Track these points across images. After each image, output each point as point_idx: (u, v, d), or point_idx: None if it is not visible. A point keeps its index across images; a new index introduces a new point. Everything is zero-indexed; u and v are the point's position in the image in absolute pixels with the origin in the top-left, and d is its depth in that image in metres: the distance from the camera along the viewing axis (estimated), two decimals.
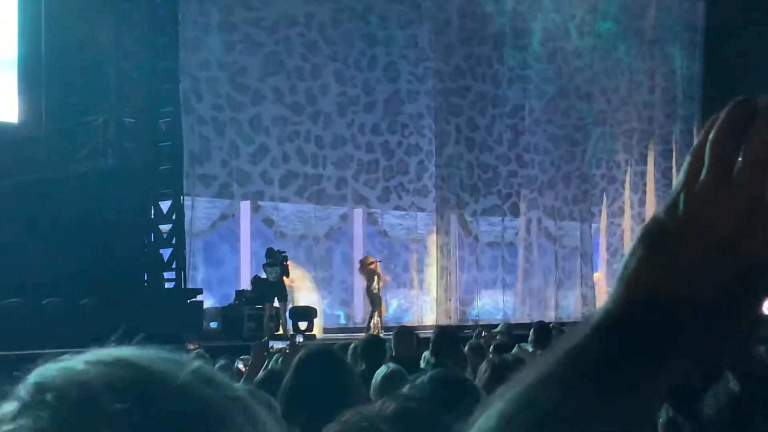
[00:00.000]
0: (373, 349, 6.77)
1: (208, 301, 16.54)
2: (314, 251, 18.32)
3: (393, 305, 19.44)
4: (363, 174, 18.98)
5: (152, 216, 16.52)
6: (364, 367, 5.92)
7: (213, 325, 15.87)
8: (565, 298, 22.05)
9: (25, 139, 16.00)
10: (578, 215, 22.34)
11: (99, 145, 16.35)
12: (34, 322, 13.17)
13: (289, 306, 16.73)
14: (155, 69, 16.46)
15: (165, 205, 16.45)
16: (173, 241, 16.36)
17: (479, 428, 0.80)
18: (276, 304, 16.17)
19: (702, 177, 0.79)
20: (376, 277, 17.33)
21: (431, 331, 8.73)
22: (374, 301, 17.30)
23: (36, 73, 16.18)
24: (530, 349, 8.21)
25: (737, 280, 0.77)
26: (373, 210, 19.39)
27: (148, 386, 0.78)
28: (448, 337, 6.88)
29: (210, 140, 17.03)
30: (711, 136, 0.79)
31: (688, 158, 0.81)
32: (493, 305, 20.94)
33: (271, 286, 16.10)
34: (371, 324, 16.89)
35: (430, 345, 6.76)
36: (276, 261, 16.14)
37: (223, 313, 16.15)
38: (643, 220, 23.49)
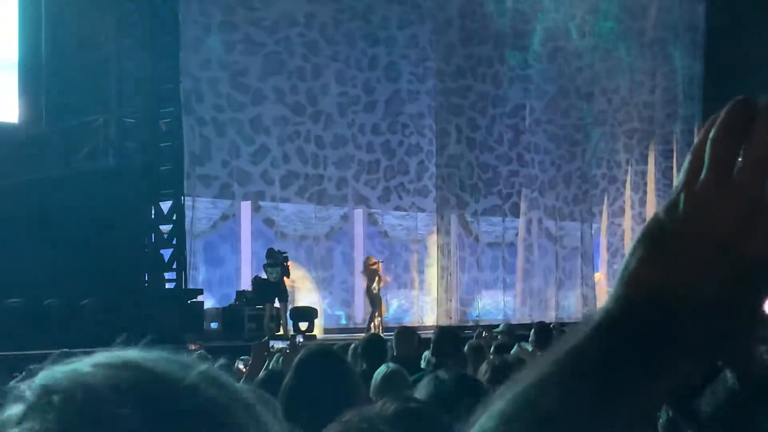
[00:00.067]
0: (374, 348, 6.77)
1: (209, 302, 16.54)
2: (315, 251, 18.32)
3: (393, 306, 19.44)
4: (363, 174, 18.98)
5: (153, 216, 16.51)
6: (365, 366, 5.92)
7: (213, 325, 15.87)
8: (565, 299, 22.05)
9: (26, 139, 16.01)
10: (579, 215, 22.34)
11: (99, 145, 16.37)
12: (34, 322, 13.19)
13: (290, 306, 16.72)
14: (156, 69, 16.45)
15: (165, 206, 16.44)
16: (174, 242, 16.36)
17: (480, 428, 0.80)
18: (276, 304, 16.17)
19: (702, 176, 0.78)
20: (377, 278, 17.36)
21: (431, 331, 8.73)
22: (374, 301, 17.33)
23: (37, 73, 16.20)
24: (530, 349, 8.21)
25: (737, 279, 0.77)
26: (373, 210, 19.39)
27: (154, 389, 0.77)
28: (449, 338, 6.87)
29: (211, 140, 17.03)
30: (711, 135, 0.79)
31: (688, 158, 0.81)
32: (494, 305, 20.94)
33: (271, 286, 16.10)
34: (372, 324, 16.90)
35: (431, 345, 6.75)
36: (276, 261, 16.14)
37: (223, 313, 16.15)
38: (644, 220, 23.48)
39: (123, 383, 0.77)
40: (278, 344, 10.51)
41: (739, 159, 0.78)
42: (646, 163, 23.85)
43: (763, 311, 0.79)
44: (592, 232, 22.68)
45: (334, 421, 1.94)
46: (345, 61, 18.77)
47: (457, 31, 20.16)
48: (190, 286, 16.22)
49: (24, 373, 8.90)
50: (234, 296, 16.70)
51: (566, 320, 19.44)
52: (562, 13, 21.94)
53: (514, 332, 11.30)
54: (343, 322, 18.78)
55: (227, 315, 16.06)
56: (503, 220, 21.15)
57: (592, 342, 0.80)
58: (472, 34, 20.40)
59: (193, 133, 16.70)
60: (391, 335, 8.11)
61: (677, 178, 0.81)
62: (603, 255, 23.25)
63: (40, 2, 16.00)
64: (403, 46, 19.54)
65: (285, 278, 16.31)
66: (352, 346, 8.06)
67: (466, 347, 7.37)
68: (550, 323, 11.81)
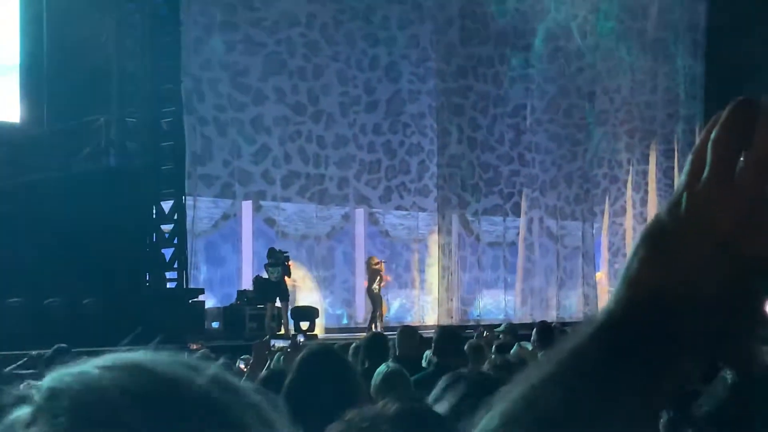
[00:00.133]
0: (377, 347, 6.78)
1: (210, 301, 16.55)
2: (316, 251, 18.32)
3: (395, 305, 19.45)
4: (365, 174, 18.99)
5: (154, 216, 16.53)
6: (367, 365, 5.92)
7: (215, 324, 15.88)
8: (566, 298, 22.04)
9: (27, 139, 16.02)
10: (580, 215, 22.33)
11: (101, 145, 16.38)
12: (35, 322, 13.19)
13: (291, 306, 16.73)
14: (157, 69, 16.47)
15: (167, 205, 16.45)
16: (175, 241, 16.37)
17: (483, 429, 0.81)
18: (278, 304, 16.17)
19: (704, 177, 0.79)
20: (378, 278, 17.39)
21: (432, 331, 8.74)
22: (375, 300, 17.37)
23: (38, 73, 16.20)
24: (530, 348, 8.21)
25: (738, 279, 0.78)
26: (374, 210, 19.40)
27: (164, 392, 0.77)
28: (450, 337, 6.87)
29: (212, 140, 17.04)
30: (713, 136, 0.79)
31: (690, 158, 0.81)
32: (495, 305, 20.94)
33: (272, 286, 16.10)
34: (372, 324, 16.91)
35: (432, 345, 6.75)
36: (278, 261, 16.15)
37: (224, 312, 16.16)
38: (645, 219, 23.48)
39: (132, 386, 0.76)
40: (279, 343, 10.51)
41: (741, 159, 0.78)
42: (647, 162, 23.85)
43: (764, 311, 0.80)
44: (594, 231, 22.67)
45: (336, 420, 1.95)
46: (346, 61, 18.77)
47: (458, 31, 20.16)
48: (192, 285, 16.23)
49: (26, 359, 8.84)
50: (235, 296, 16.71)
51: (567, 320, 19.45)
52: (563, 12, 21.93)
53: (516, 332, 11.30)
54: (345, 321, 18.79)
55: (228, 314, 16.07)
56: (504, 220, 21.15)
57: (594, 342, 0.81)
58: (472, 34, 20.40)
59: (195, 132, 16.70)
60: (392, 334, 8.12)
61: (679, 179, 0.82)
62: (604, 254, 23.25)
63: (42, 3, 16.00)
64: (403, 46, 19.54)
65: (286, 278, 16.32)
66: (353, 345, 8.06)
67: (466, 347, 7.37)
68: (552, 323, 11.81)
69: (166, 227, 16.50)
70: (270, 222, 17.89)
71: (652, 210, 23.53)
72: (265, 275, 16.31)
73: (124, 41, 16.45)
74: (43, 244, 14.36)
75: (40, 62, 16.14)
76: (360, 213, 19.29)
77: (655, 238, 0.81)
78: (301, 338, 14.39)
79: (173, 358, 0.81)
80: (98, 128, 16.29)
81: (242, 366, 7.64)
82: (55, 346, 8.28)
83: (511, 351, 7.84)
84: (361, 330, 17.03)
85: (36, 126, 16.20)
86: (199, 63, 16.85)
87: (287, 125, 17.91)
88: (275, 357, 7.06)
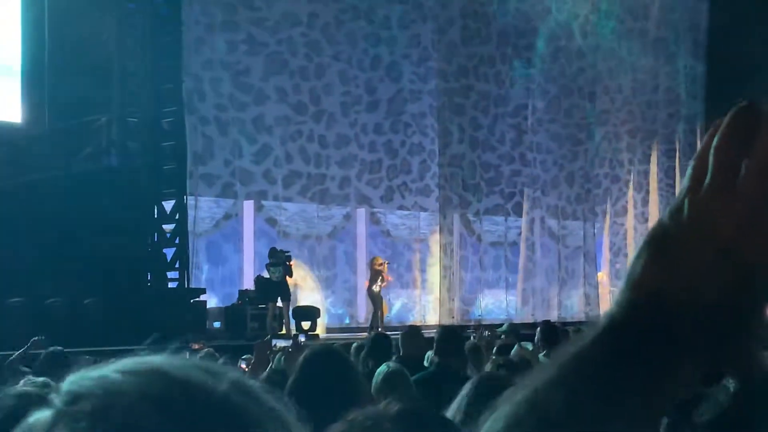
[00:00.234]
0: (380, 347, 6.79)
1: (211, 301, 16.56)
2: (317, 251, 18.32)
3: (396, 305, 19.46)
4: (366, 174, 18.99)
5: (155, 216, 16.54)
6: (371, 365, 5.92)
7: (216, 324, 15.89)
8: (568, 298, 22.04)
9: (28, 139, 16.02)
10: (581, 215, 22.33)
11: (102, 145, 16.39)
12: (37, 322, 13.18)
13: (292, 306, 16.74)
14: (158, 69, 16.48)
15: (168, 205, 16.47)
16: (176, 241, 16.39)
17: (487, 430, 0.81)
18: (279, 303, 16.18)
19: (706, 183, 0.79)
20: (379, 278, 17.41)
21: (434, 330, 8.73)
22: (375, 300, 17.38)
23: (39, 73, 16.20)
24: (530, 348, 8.21)
25: (739, 284, 0.78)
26: (376, 210, 19.40)
27: (186, 397, 0.77)
28: (452, 337, 6.87)
29: (213, 140, 17.04)
30: (715, 141, 0.80)
31: (692, 163, 0.82)
32: (496, 305, 20.94)
33: (274, 285, 16.11)
34: (374, 324, 16.92)
35: (434, 345, 6.75)
36: (279, 261, 16.15)
37: (226, 312, 16.17)
38: (647, 219, 23.49)
39: (153, 391, 0.76)
40: (281, 343, 10.51)
41: (743, 165, 0.78)
42: (648, 162, 23.85)
43: (765, 316, 0.80)
44: (595, 231, 22.67)
45: (339, 420, 1.95)
46: (347, 60, 18.77)
47: (459, 30, 20.16)
48: (193, 285, 16.24)
49: (27, 346, 8.79)
50: (237, 295, 16.71)
51: (569, 320, 19.47)
52: (564, 12, 21.93)
53: (518, 332, 11.30)
54: (347, 321, 18.80)
55: (230, 314, 16.07)
56: (506, 220, 21.15)
57: (596, 345, 0.81)
58: (474, 34, 20.40)
59: (196, 132, 16.71)
60: (393, 334, 8.13)
61: (681, 184, 0.82)
62: (605, 254, 23.25)
63: (43, 2, 16.00)
64: (405, 46, 19.55)
65: (287, 277, 16.32)
66: (354, 345, 8.07)
67: (466, 347, 7.38)
68: (554, 323, 11.81)
69: (168, 227, 16.51)
70: (271, 222, 17.90)
71: (654, 210, 23.54)
72: (266, 275, 16.32)
73: (126, 41, 16.46)
74: (44, 244, 14.37)
75: (41, 62, 16.14)
76: (361, 213, 19.30)
77: (658, 242, 0.82)
78: (302, 338, 14.41)
79: (192, 362, 0.81)
80: (99, 128, 16.29)
81: (244, 366, 7.65)
82: (50, 349, 8.26)
83: (512, 352, 7.83)
84: (363, 330, 17.04)
85: (37, 126, 16.19)
86: (200, 63, 16.86)
87: (288, 125, 17.92)
88: (277, 357, 7.07)
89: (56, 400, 0.77)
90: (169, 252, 16.44)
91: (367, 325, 17.45)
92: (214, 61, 17.11)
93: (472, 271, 20.46)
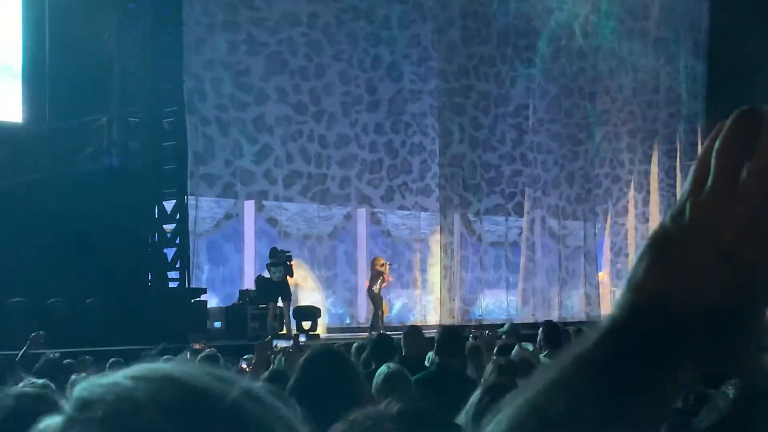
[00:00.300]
0: (383, 348, 6.79)
1: (212, 301, 16.56)
2: (318, 251, 18.33)
3: (397, 305, 19.46)
4: (366, 174, 18.99)
5: (156, 216, 16.54)
6: (374, 366, 5.92)
7: (217, 324, 15.89)
8: (569, 298, 22.04)
9: (29, 139, 16.03)
10: (582, 215, 22.33)
11: (103, 145, 16.39)
12: (38, 321, 13.18)
13: (293, 306, 16.74)
14: (159, 69, 16.48)
15: (169, 205, 16.47)
16: (177, 241, 16.39)
17: None
18: (280, 303, 16.18)
19: (707, 186, 0.80)
20: (380, 279, 17.42)
21: (434, 330, 8.74)
22: (375, 300, 17.39)
23: (40, 72, 16.21)
24: (530, 349, 8.20)
25: (740, 287, 0.79)
26: (376, 210, 19.40)
27: (198, 404, 0.77)
28: (452, 337, 6.87)
29: (214, 140, 17.05)
30: (716, 144, 0.80)
31: (693, 166, 0.82)
32: (497, 305, 20.93)
33: (274, 285, 16.11)
34: (374, 324, 16.93)
35: (435, 345, 6.76)
36: (280, 261, 16.15)
37: (226, 312, 16.17)
38: (647, 219, 23.49)
39: (165, 398, 0.76)
40: (281, 343, 10.51)
41: (744, 168, 0.79)
42: (649, 162, 23.84)
43: (766, 319, 0.80)
44: (596, 231, 22.67)
45: (340, 420, 1.95)
46: (348, 60, 18.77)
47: (460, 30, 20.16)
48: (194, 285, 16.24)
49: (28, 344, 8.80)
50: (237, 295, 16.72)
51: (569, 320, 19.45)
52: (565, 12, 21.93)
53: (519, 332, 11.29)
54: (347, 321, 18.80)
55: (230, 314, 16.08)
56: (506, 220, 21.15)
57: (598, 348, 0.82)
58: (474, 34, 20.40)
59: (197, 132, 16.71)
60: (394, 334, 8.13)
61: (683, 186, 0.82)
62: (606, 254, 23.24)
63: (44, 2, 16.01)
64: (405, 46, 19.55)
65: (288, 277, 16.32)
66: (355, 345, 8.07)
67: (466, 347, 7.38)
68: (556, 323, 11.79)
69: (168, 227, 16.51)
70: (272, 222, 17.90)
71: (655, 210, 23.54)
72: (267, 275, 16.32)
73: (126, 41, 16.46)
74: (45, 244, 14.37)
75: (42, 62, 16.15)
76: (362, 213, 19.30)
77: (660, 245, 0.82)
78: (303, 338, 14.42)
79: (203, 369, 0.81)
80: (100, 128, 16.30)
81: (244, 366, 7.65)
82: (46, 357, 8.25)
83: (512, 352, 7.82)
84: (363, 330, 17.05)
85: (38, 126, 16.20)
86: (201, 63, 16.86)
87: (289, 125, 17.92)
88: (278, 358, 7.07)
89: (67, 406, 0.77)
90: (170, 252, 16.44)
91: (368, 325, 17.46)
92: (215, 61, 17.11)
93: (472, 271, 20.46)
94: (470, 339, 9.48)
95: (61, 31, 15.91)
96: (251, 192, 17.58)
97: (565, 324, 13.89)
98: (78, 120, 16.11)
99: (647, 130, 23.78)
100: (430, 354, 6.95)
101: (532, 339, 8.87)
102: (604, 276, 22.85)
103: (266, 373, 5.70)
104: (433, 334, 7.32)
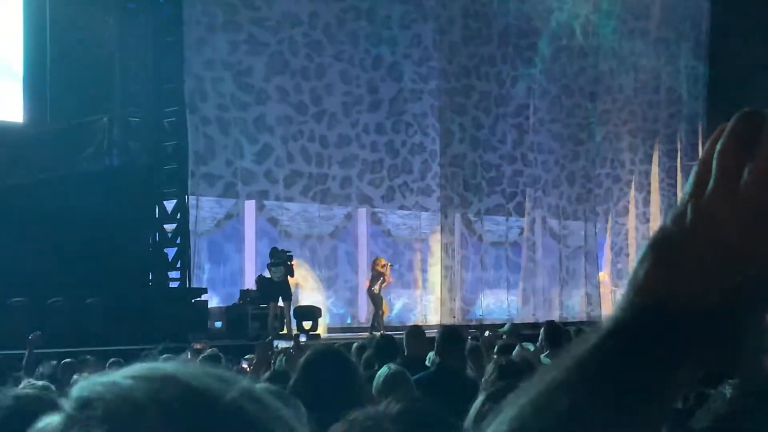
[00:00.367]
0: (385, 348, 6.79)
1: (213, 301, 16.56)
2: (319, 251, 18.33)
3: (398, 305, 19.46)
4: (367, 173, 18.99)
5: (157, 215, 16.54)
6: (377, 367, 5.92)
7: (217, 324, 15.89)
8: (569, 298, 22.04)
9: (30, 139, 16.03)
10: (583, 215, 22.33)
11: (104, 145, 16.39)
12: (39, 321, 13.19)
13: (294, 306, 16.74)
14: (160, 68, 16.48)
15: (170, 205, 16.47)
16: (178, 241, 16.39)
17: None
18: (280, 303, 16.18)
19: (709, 187, 0.80)
20: (381, 279, 17.43)
21: (435, 330, 8.74)
22: (375, 300, 17.40)
23: (41, 72, 16.21)
24: (531, 349, 8.20)
25: (742, 289, 0.79)
26: (377, 209, 19.40)
27: (197, 404, 0.77)
28: (453, 337, 6.87)
29: (214, 140, 17.05)
30: (718, 146, 0.80)
31: (695, 168, 0.83)
32: (498, 305, 20.93)
33: (275, 285, 16.11)
34: (375, 324, 16.94)
35: (435, 345, 6.76)
36: (280, 260, 16.15)
37: (227, 312, 16.17)
38: (648, 219, 23.49)
39: (165, 398, 0.76)
40: (282, 343, 10.51)
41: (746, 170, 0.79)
42: (650, 162, 23.84)
43: (766, 320, 0.81)
44: (596, 231, 22.67)
45: (340, 420, 1.95)
46: (348, 60, 18.77)
47: (460, 30, 20.16)
48: (194, 285, 16.24)
49: (28, 348, 8.81)
50: (238, 295, 16.71)
51: (570, 320, 19.45)
52: (565, 12, 21.93)
53: (519, 333, 11.29)
54: (348, 321, 18.81)
55: (231, 314, 16.08)
56: (507, 220, 21.15)
57: (599, 349, 0.82)
58: (475, 34, 20.40)
59: (197, 132, 16.72)
60: (394, 334, 8.13)
61: (684, 188, 0.83)
62: (607, 254, 23.24)
63: (44, 2, 16.02)
64: (406, 46, 19.55)
65: (289, 277, 16.32)
66: (355, 345, 8.07)
67: (467, 347, 7.37)
68: (557, 323, 11.77)
69: (169, 227, 16.52)
70: (273, 221, 17.90)
71: (655, 210, 23.54)
72: (267, 275, 16.32)
73: (127, 40, 16.47)
74: (45, 244, 14.37)
75: (43, 62, 16.15)
76: (363, 213, 19.30)
77: (661, 247, 0.82)
78: (303, 338, 14.43)
79: (203, 369, 0.81)
80: (101, 128, 16.30)
81: (245, 366, 7.66)
82: (42, 366, 8.25)
83: (513, 352, 7.82)
84: (364, 330, 17.05)
85: (39, 125, 16.21)
86: (201, 62, 16.87)
87: (290, 125, 17.92)
88: (278, 358, 7.08)
89: (66, 405, 0.77)
90: (171, 252, 16.45)
91: (368, 325, 17.47)
92: (216, 60, 17.12)
93: (473, 271, 20.46)
94: (470, 340, 9.47)
95: (61, 31, 15.92)
96: (252, 192, 17.58)
97: (566, 324, 13.88)
98: (78, 120, 16.11)
99: (648, 130, 23.77)
100: (431, 354, 6.95)
101: (532, 339, 8.86)
102: (604, 276, 22.85)
103: (267, 374, 5.70)
104: (433, 334, 7.32)
